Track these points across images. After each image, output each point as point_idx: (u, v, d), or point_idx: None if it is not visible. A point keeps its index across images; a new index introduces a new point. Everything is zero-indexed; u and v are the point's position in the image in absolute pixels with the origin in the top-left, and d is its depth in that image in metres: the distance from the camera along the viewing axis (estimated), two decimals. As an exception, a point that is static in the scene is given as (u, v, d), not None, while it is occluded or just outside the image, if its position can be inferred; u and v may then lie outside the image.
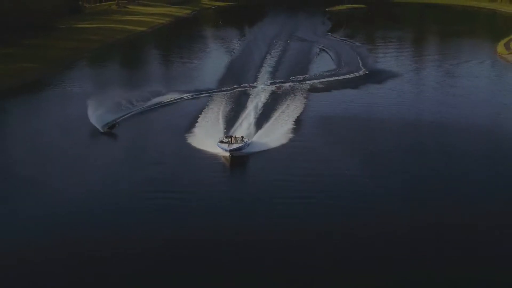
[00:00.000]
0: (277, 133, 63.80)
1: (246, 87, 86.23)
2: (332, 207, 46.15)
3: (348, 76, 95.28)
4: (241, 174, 54.90)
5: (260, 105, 75.30)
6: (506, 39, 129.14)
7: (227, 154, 55.83)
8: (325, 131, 65.57)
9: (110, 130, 64.95)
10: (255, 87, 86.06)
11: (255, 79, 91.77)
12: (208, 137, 61.33)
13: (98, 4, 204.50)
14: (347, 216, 44.74)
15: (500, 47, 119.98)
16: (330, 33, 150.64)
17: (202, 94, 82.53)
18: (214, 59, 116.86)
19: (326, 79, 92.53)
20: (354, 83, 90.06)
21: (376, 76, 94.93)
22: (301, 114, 71.51)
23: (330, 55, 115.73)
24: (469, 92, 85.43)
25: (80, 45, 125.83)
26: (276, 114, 70.37)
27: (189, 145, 60.49)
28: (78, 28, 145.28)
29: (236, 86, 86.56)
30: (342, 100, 79.94)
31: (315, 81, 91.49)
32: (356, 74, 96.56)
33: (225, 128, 64.38)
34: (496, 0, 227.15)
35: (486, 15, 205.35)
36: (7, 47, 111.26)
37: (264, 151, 58.51)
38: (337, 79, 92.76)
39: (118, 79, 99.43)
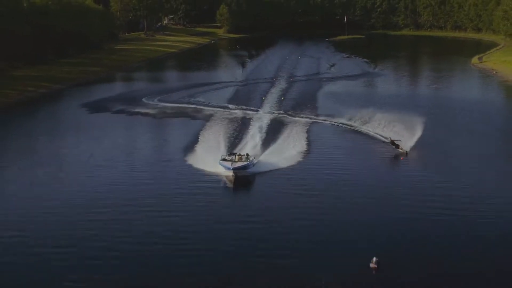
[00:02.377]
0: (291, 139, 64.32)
1: (272, 79, 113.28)
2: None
3: (348, 73, 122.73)
4: (246, 198, 48.67)
5: (284, 87, 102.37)
6: (480, 55, 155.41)
7: (231, 173, 51.39)
8: (335, 100, 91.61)
9: None
10: (278, 79, 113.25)
11: (277, 75, 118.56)
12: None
13: (126, 34, 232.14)
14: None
15: (474, 59, 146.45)
16: (338, 52, 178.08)
17: (243, 83, 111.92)
18: (242, 67, 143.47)
19: (332, 75, 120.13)
20: (353, 77, 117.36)
21: (370, 74, 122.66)
22: (317, 91, 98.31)
23: (334, 63, 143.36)
24: (444, 81, 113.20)
25: (127, 58, 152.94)
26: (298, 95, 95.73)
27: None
28: (119, 48, 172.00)
29: (264, 78, 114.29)
30: (345, 84, 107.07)
31: (323, 75, 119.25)
32: (355, 73, 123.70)
33: (264, 96, 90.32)
34: (480, 32, 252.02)
35: (472, 43, 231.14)
36: (74, 58, 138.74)
37: (273, 170, 53.70)
38: (340, 75, 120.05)
39: (169, 76, 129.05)
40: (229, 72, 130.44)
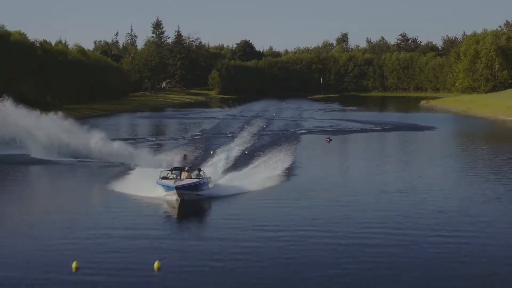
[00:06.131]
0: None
1: (264, 111, 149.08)
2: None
3: (325, 109, 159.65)
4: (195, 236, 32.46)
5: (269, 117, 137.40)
6: (429, 100, 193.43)
7: (174, 195, 36.42)
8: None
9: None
10: (266, 111, 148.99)
11: (264, 112, 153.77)
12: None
13: (131, 93, 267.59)
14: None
15: (423, 102, 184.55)
16: (315, 103, 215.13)
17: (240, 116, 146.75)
18: (239, 109, 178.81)
19: (310, 113, 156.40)
20: (325, 115, 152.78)
21: (339, 111, 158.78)
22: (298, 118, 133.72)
23: (312, 109, 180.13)
24: (394, 109, 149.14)
25: (144, 103, 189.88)
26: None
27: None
28: (132, 100, 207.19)
29: (255, 113, 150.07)
30: (322, 117, 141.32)
31: (304, 111, 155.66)
32: (330, 109, 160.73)
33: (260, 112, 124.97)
34: (438, 91, 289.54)
35: (430, 98, 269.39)
36: (102, 102, 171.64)
37: (239, 194, 40.01)
38: (317, 113, 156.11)
39: (182, 111, 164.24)
40: (227, 108, 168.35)
